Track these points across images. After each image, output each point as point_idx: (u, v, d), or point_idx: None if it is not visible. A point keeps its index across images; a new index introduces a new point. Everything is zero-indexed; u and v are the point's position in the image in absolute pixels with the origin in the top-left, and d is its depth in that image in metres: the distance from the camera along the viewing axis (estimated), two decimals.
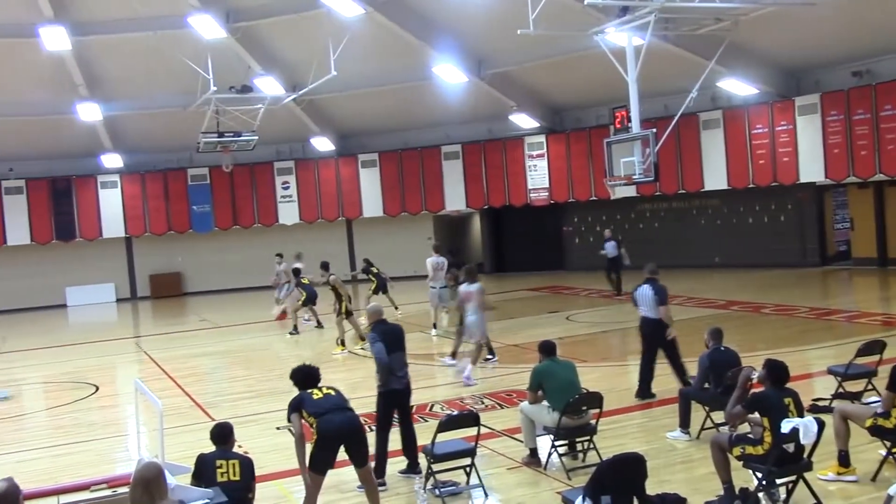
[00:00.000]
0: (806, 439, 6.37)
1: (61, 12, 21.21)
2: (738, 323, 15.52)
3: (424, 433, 8.23)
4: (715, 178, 22.93)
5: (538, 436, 8.26)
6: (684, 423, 8.72)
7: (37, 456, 9.94)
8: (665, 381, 10.44)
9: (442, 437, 7.52)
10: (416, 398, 8.68)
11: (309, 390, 7.07)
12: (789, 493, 6.60)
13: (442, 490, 7.43)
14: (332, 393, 7.04)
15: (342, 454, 6.93)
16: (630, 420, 9.67)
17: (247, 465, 6.50)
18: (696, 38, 17.66)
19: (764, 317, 16.41)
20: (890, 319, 14.79)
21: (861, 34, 19.05)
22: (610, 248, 20.96)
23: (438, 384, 12.42)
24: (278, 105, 24.13)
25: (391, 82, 24.80)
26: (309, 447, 6.86)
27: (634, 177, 16.35)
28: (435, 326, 17.02)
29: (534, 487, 7.70)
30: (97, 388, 14.01)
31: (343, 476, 7.74)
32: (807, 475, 6.59)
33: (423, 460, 7.87)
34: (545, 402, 8.18)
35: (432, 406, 10.74)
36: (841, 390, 9.41)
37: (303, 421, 6.94)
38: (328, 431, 6.74)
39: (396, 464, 8.22)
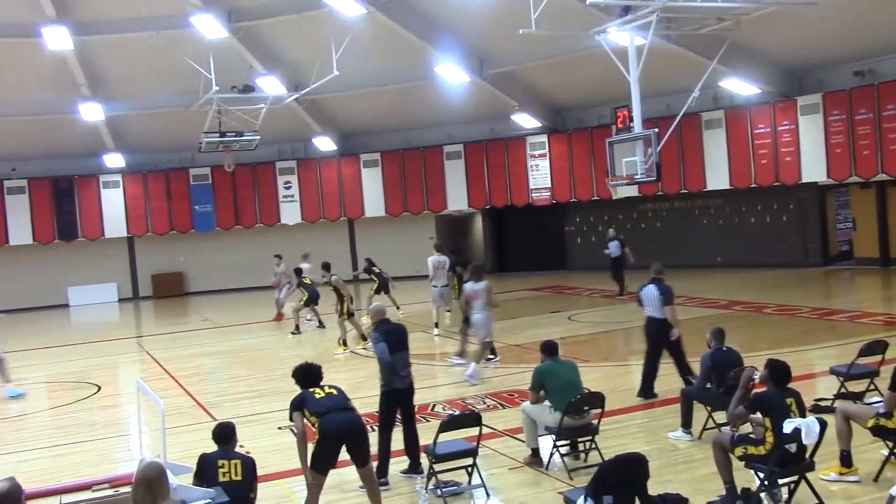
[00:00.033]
0: (808, 439, 6.37)
1: (63, 12, 21.24)
2: (741, 323, 15.51)
3: (426, 433, 8.23)
4: (717, 177, 22.92)
5: (540, 436, 8.26)
6: (686, 423, 8.72)
7: (38, 456, 9.95)
8: (667, 381, 10.43)
9: (444, 436, 7.52)
10: (417, 398, 8.67)
11: (311, 389, 7.06)
12: (791, 493, 6.59)
13: (444, 490, 7.43)
14: (335, 392, 7.03)
15: (344, 454, 6.93)
16: (632, 420, 9.66)
17: (249, 464, 6.49)
18: (699, 38, 17.65)
19: (766, 317, 16.40)
20: (892, 319, 14.75)
21: (863, 34, 19.04)
22: (613, 248, 20.95)
23: (440, 384, 12.42)
24: (280, 105, 24.15)
25: (393, 82, 24.80)
26: (311, 447, 6.87)
27: (636, 176, 16.35)
28: (437, 325, 17.03)
29: (535, 487, 7.69)
30: (99, 388, 14.02)
31: (345, 476, 7.74)
32: (809, 475, 6.59)
33: (424, 460, 7.87)
34: (547, 402, 8.18)
35: (434, 406, 10.74)
36: (843, 390, 9.41)
37: (305, 420, 6.94)
38: (330, 431, 6.74)
39: (398, 464, 8.22)
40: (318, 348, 16.53)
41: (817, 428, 6.36)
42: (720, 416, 8.42)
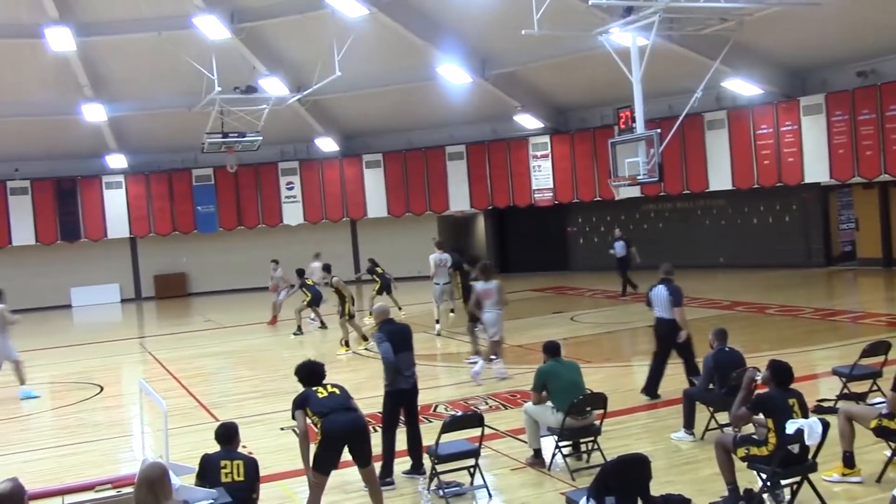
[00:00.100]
0: (811, 440, 6.36)
1: (66, 13, 21.27)
2: (743, 323, 15.50)
3: (429, 434, 8.23)
4: (719, 178, 22.90)
5: (542, 436, 8.26)
6: (688, 424, 8.71)
7: (42, 456, 9.96)
8: (670, 382, 10.42)
9: (446, 437, 7.52)
10: (420, 399, 8.67)
11: (314, 388, 7.02)
12: (794, 494, 6.59)
13: (446, 490, 7.44)
14: (337, 392, 6.99)
15: (346, 454, 6.92)
16: (634, 421, 9.65)
17: (251, 465, 6.49)
18: (701, 38, 17.63)
19: (768, 317, 16.38)
20: (895, 320, 14.74)
21: (866, 34, 19.02)
22: (619, 248, 20.97)
23: (442, 385, 12.43)
24: (283, 105, 24.17)
25: (395, 83, 24.81)
26: (313, 447, 6.86)
27: (639, 177, 16.33)
28: (437, 322, 17.04)
29: (538, 488, 7.69)
30: (102, 389, 14.03)
31: (347, 476, 7.74)
32: (811, 476, 6.58)
33: (427, 461, 7.88)
34: (549, 403, 8.18)
35: (436, 407, 10.74)
36: (846, 391, 9.41)
37: (307, 419, 6.93)
38: (332, 431, 6.72)
39: (401, 464, 8.22)
40: (320, 349, 16.53)
41: (820, 429, 6.36)
42: (722, 417, 8.41)
